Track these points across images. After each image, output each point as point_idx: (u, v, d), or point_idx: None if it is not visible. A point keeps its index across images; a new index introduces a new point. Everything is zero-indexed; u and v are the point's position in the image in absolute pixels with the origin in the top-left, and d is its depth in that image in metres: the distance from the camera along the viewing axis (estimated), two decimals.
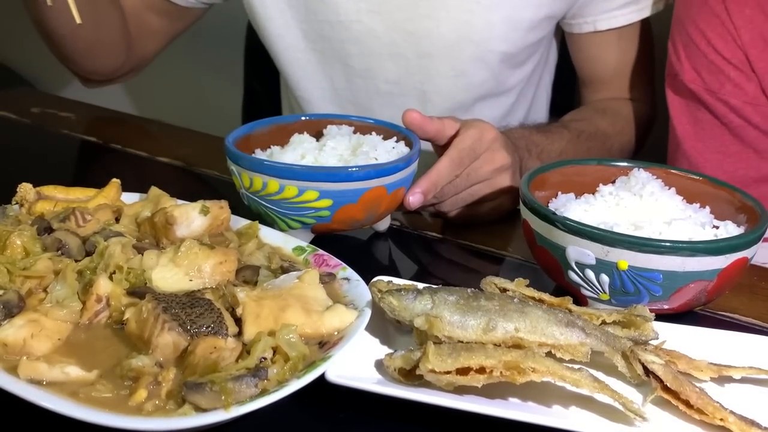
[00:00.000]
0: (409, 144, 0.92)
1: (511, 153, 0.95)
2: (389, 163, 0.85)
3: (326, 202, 0.83)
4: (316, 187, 0.82)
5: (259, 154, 0.92)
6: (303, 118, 0.99)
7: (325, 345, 0.63)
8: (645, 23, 1.21)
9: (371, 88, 1.23)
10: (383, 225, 0.94)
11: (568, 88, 1.38)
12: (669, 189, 0.84)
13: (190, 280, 0.68)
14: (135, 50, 1.29)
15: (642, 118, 1.25)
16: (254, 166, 0.84)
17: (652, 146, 1.25)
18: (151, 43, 1.33)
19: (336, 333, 0.64)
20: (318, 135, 0.97)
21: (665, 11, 1.17)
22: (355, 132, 0.96)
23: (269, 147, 0.94)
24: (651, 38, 1.23)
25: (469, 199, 0.94)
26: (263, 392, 0.56)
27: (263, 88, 1.68)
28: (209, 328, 0.60)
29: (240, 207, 0.85)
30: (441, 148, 0.93)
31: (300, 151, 0.90)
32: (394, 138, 0.93)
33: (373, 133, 0.95)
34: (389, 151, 0.90)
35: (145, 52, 1.32)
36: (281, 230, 0.84)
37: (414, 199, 0.87)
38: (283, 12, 1.21)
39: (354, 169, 0.83)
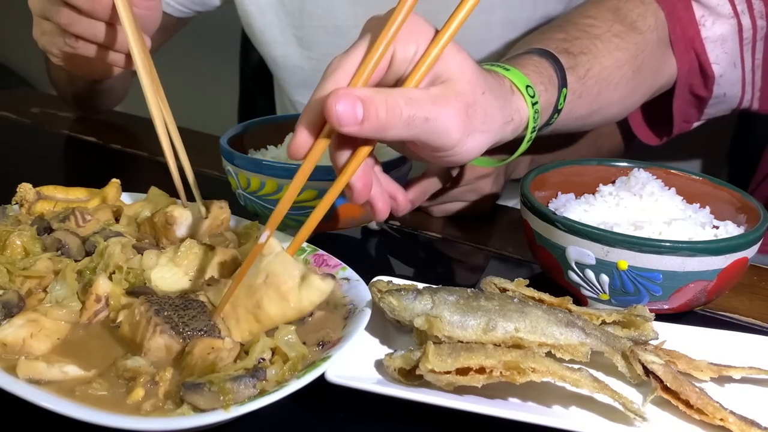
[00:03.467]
0: None
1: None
2: (387, 161, 0.85)
3: None
4: (315, 186, 0.82)
5: (253, 153, 0.92)
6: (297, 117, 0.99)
7: (324, 345, 0.63)
8: None
9: None
10: (377, 223, 0.95)
11: None
12: (669, 189, 0.84)
13: (190, 280, 0.68)
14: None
15: None
16: (252, 166, 0.83)
17: (651, 146, 1.25)
18: None
19: (317, 309, 0.64)
20: None
21: None
22: None
23: (263, 146, 0.94)
24: None
25: (449, 200, 0.98)
26: (262, 392, 0.56)
27: (259, 88, 1.68)
28: (202, 331, 0.60)
29: (236, 206, 0.85)
30: None
31: None
32: None
33: None
34: (384, 146, 0.90)
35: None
36: (279, 230, 0.84)
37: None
38: (279, 19, 1.20)
39: None
